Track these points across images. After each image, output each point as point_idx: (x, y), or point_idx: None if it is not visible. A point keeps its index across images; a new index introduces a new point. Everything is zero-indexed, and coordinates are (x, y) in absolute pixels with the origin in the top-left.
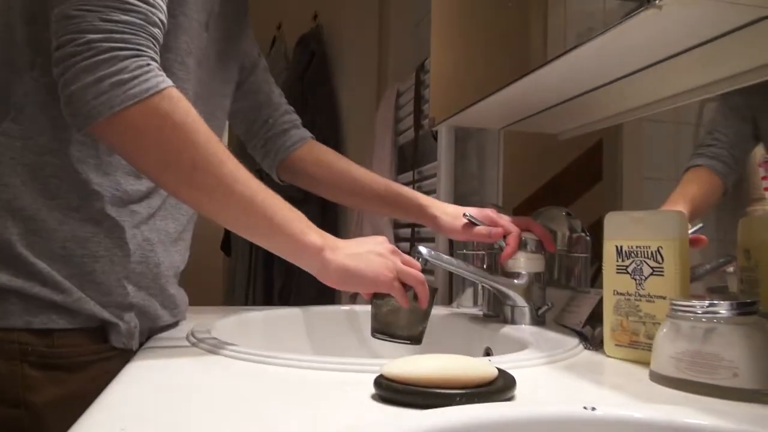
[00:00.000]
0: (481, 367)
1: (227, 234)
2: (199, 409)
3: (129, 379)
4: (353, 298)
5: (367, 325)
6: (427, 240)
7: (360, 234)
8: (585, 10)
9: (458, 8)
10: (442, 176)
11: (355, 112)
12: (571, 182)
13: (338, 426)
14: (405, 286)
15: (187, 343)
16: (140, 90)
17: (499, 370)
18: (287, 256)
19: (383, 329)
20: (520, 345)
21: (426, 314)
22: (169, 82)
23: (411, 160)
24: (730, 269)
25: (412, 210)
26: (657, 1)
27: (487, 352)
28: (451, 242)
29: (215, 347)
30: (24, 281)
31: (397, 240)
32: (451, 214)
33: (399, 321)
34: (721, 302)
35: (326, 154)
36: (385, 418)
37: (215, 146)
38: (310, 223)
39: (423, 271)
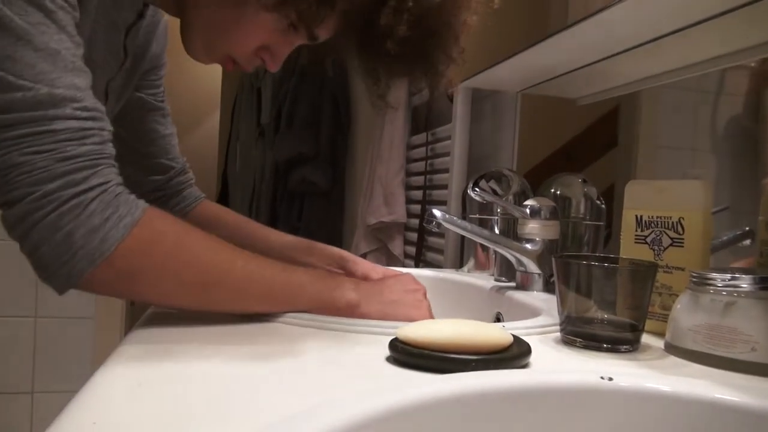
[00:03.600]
0: (497, 333)
1: (223, 190)
2: (201, 367)
3: (132, 341)
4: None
5: None
6: (439, 203)
7: (371, 194)
8: None
9: None
10: (457, 139)
11: None
12: (584, 147)
13: (354, 388)
14: None
15: None
16: (116, 233)
17: (514, 336)
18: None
19: None
20: (531, 311)
21: None
22: (141, 204)
23: (424, 122)
24: (747, 242)
25: (331, 258)
26: None
27: (498, 317)
28: (464, 206)
29: None
30: None
31: (408, 202)
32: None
33: None
34: (743, 276)
35: (220, 210)
36: (402, 383)
37: (217, 253)
38: (337, 280)
39: (435, 234)
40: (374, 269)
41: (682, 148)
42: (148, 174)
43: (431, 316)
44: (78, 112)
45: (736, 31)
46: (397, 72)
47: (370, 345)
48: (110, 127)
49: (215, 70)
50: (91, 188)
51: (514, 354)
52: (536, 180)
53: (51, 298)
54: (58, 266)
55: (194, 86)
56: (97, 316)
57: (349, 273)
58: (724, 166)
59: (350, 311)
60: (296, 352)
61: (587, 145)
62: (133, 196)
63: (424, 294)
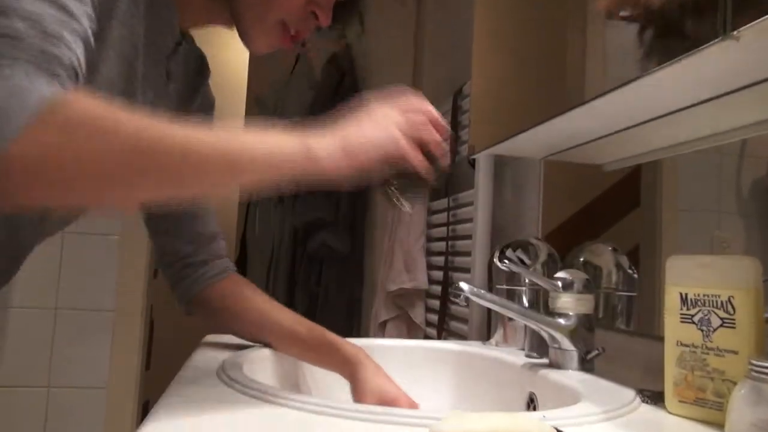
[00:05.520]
0: (539, 430)
1: (241, 254)
2: None
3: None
4: (383, 327)
5: (411, 364)
6: (462, 270)
7: (391, 260)
8: (625, 42)
9: (500, 36)
10: (480, 206)
11: None
12: (606, 208)
13: None
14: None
15: (216, 379)
16: (20, 116)
17: (557, 430)
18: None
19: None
20: (569, 395)
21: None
22: (53, 88)
23: (445, 187)
24: None
25: (334, 362)
26: (735, 32)
27: (531, 398)
28: (490, 276)
29: (239, 384)
30: None
31: (429, 268)
32: (372, 385)
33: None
34: None
35: (245, 287)
36: None
37: (148, 125)
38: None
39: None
40: (387, 388)
41: (708, 210)
42: (178, 241)
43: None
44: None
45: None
46: None
47: None
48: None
49: None
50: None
51: None
52: (558, 242)
53: (64, 368)
54: None
55: None
56: (109, 386)
57: (355, 387)
58: (753, 228)
59: (309, 164)
60: None
61: (609, 205)
62: (44, 83)
63: (427, 120)
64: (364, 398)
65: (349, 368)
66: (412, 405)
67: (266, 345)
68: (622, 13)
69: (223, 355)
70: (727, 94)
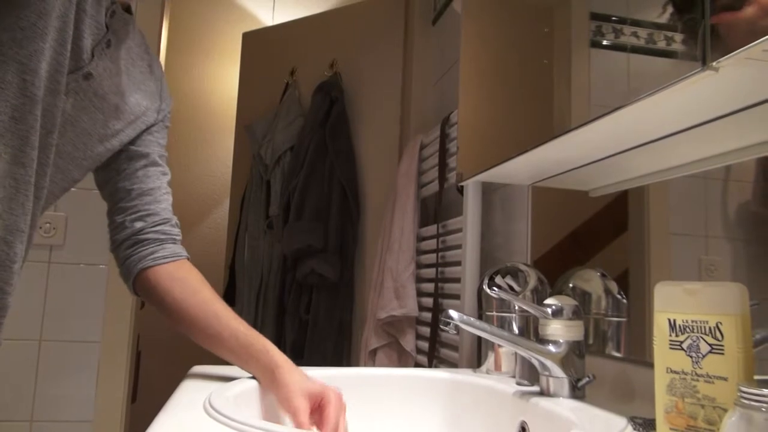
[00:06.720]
0: None
1: (231, 282)
2: None
3: None
4: (373, 355)
5: (402, 392)
6: (452, 297)
7: (381, 287)
8: (608, 71)
9: (486, 65)
10: (468, 232)
11: (376, 161)
12: (594, 233)
13: None
14: None
15: (202, 412)
16: None
17: None
18: None
19: None
20: (561, 423)
21: None
22: None
23: (434, 214)
24: None
25: (261, 365)
26: (714, 63)
27: (523, 427)
28: (479, 302)
29: (225, 417)
30: None
31: (419, 295)
32: (299, 385)
33: None
34: None
35: (193, 275)
36: None
37: None
38: None
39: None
40: (312, 386)
41: (695, 235)
42: (131, 216)
43: None
44: None
45: (755, 125)
46: None
47: None
48: None
49: (226, 160)
50: None
51: None
52: (547, 268)
53: (48, 401)
54: None
55: (204, 177)
56: (95, 419)
57: (282, 389)
58: (739, 252)
59: None
60: None
61: (597, 230)
62: None
63: None
64: (294, 398)
65: (274, 372)
66: (339, 397)
67: (193, 333)
68: None
69: (210, 387)
70: (710, 122)
